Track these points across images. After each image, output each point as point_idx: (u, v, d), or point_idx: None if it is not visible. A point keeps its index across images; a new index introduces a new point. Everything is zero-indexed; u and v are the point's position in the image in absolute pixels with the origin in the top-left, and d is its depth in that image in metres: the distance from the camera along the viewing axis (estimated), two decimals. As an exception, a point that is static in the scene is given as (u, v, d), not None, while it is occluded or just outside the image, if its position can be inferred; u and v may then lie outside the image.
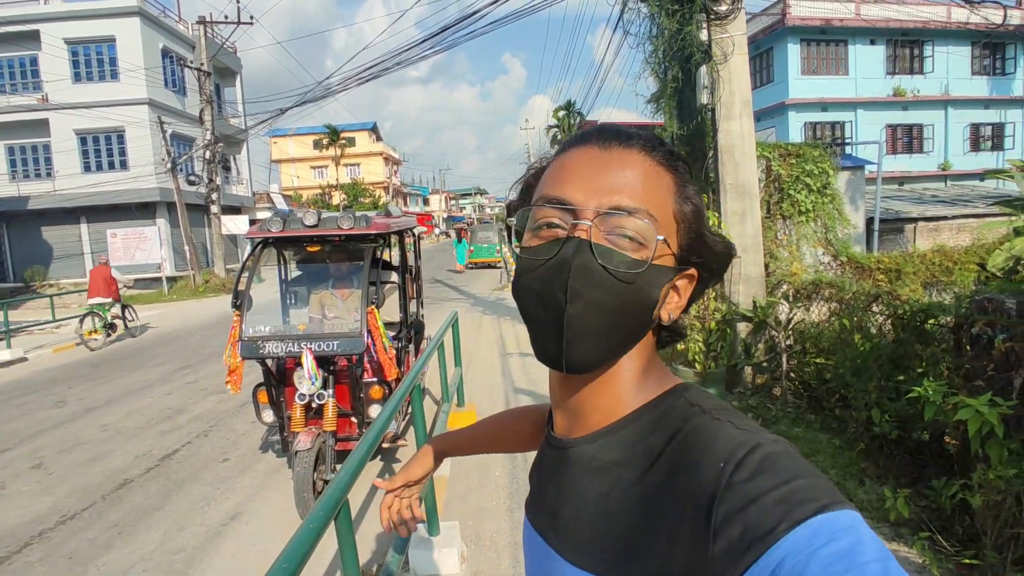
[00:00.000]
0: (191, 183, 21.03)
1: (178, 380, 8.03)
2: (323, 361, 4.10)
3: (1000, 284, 3.62)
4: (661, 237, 0.58)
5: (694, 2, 5.70)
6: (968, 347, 3.16)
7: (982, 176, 22.47)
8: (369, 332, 3.99)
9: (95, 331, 10.71)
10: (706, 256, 0.63)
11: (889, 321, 4.48)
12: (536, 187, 0.66)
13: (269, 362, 4.17)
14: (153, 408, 6.74)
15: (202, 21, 19.70)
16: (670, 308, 0.63)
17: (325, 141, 45.27)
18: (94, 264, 11.31)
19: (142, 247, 20.87)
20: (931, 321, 3.84)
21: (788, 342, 5.40)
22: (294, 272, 5.31)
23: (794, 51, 22.04)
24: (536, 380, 6.78)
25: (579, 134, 0.64)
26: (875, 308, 4.35)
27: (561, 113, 36.98)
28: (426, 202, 75.41)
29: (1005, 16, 10.49)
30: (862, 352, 4.30)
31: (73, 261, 21.85)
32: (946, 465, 3.75)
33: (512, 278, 0.64)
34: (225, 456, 5.16)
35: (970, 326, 3.01)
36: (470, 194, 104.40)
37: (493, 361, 7.96)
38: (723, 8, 5.66)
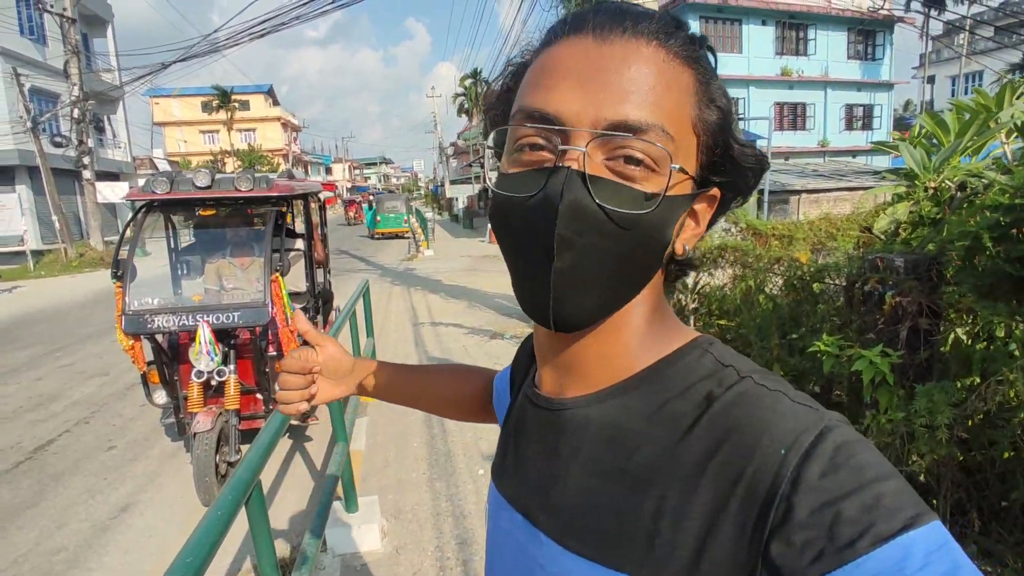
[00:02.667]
0: (57, 145, 18.74)
1: (50, 364, 7.18)
2: (223, 334, 3.77)
3: (884, 246, 3.93)
4: (677, 166, 0.46)
5: (607, -34, 5.67)
6: (860, 304, 3.40)
7: (854, 153, 24.69)
8: (272, 302, 3.70)
9: None
10: (734, 173, 0.51)
11: (785, 282, 4.78)
12: (517, 92, 0.51)
13: (160, 338, 3.77)
14: (20, 396, 5.98)
15: (62, -41, 17.34)
16: (686, 238, 0.52)
17: (215, 103, 41.83)
18: None
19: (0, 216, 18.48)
20: (825, 280, 4.11)
21: (694, 305, 5.63)
22: (186, 240, 4.83)
23: (693, 28, 22.68)
24: (450, 349, 6.69)
25: (571, 16, 0.49)
26: (776, 270, 4.60)
27: (468, 81, 36.34)
28: (329, 171, 72.21)
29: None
30: (764, 312, 4.56)
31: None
32: (836, 412, 4.08)
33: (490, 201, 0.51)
34: (111, 444, 4.67)
35: (863, 284, 3.23)
36: (375, 163, 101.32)
37: (405, 331, 7.77)
38: (635, -27, 5.66)
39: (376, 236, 23.08)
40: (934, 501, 2.84)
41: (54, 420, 5.24)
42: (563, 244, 0.45)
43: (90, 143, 17.88)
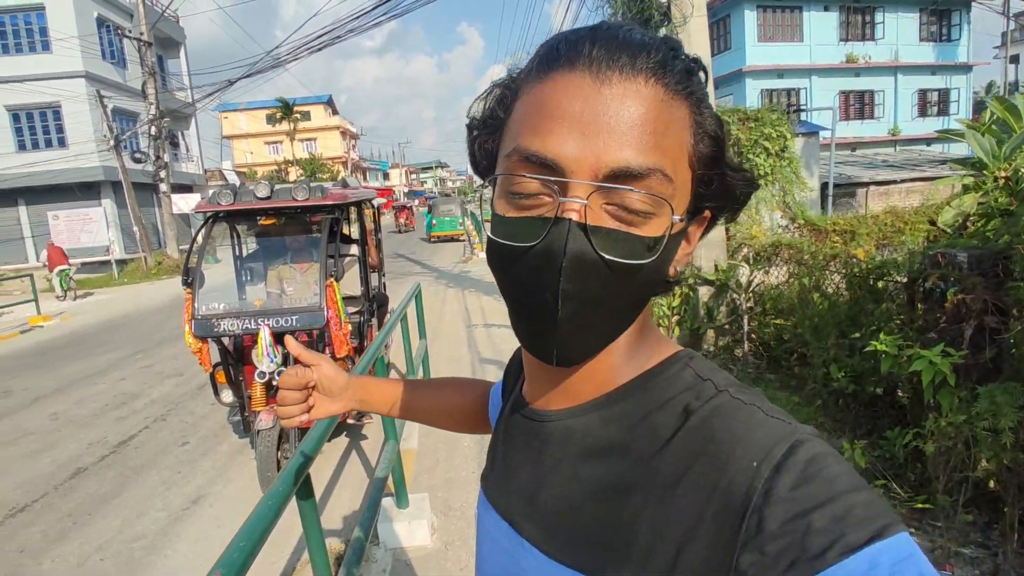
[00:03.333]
0: (137, 161, 20.05)
1: (132, 365, 7.73)
2: (282, 337, 3.96)
3: (949, 240, 3.73)
4: (678, 217, 0.46)
5: (652, -38, 5.61)
6: (921, 302, 3.25)
7: (929, 141, 23.24)
8: (327, 306, 3.87)
9: (70, 288, 14.69)
10: (725, 197, 0.51)
11: (844, 280, 4.60)
12: (508, 122, 0.51)
13: (226, 340, 4.02)
14: (106, 395, 6.47)
15: (139, -13, 18.59)
16: (678, 259, 0.52)
17: (278, 115, 43.69)
18: (44, 248, 15.13)
19: (87, 229, 19.98)
20: (886, 278, 3.94)
21: (749, 304, 5.49)
22: (250, 248, 5.11)
23: (751, 18, 22.15)
24: (502, 350, 6.77)
25: (565, 46, 0.47)
26: (832, 267, 4.44)
27: (521, 83, 36.40)
28: (386, 176, 74.06)
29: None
30: (820, 311, 4.40)
31: (13, 246, 20.70)
32: (899, 416, 3.90)
33: (484, 246, 0.52)
34: (185, 439, 5.00)
35: (924, 281, 3.09)
36: (431, 168, 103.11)
37: (458, 333, 7.90)
38: (682, -31, 5.58)
39: (432, 239, 23.37)
40: (1004, 510, 2.68)
41: (135, 417, 5.65)
42: (567, 297, 0.45)
43: (166, 158, 19.08)
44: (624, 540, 0.47)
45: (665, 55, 0.46)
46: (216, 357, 4.06)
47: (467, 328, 8.13)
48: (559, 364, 0.49)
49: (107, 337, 9.84)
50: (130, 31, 19.51)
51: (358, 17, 10.41)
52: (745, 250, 5.91)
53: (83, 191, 20.62)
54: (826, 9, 23.03)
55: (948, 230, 3.96)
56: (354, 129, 58.67)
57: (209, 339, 3.88)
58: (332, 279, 3.92)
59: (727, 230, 6.08)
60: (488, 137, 0.54)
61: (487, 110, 0.54)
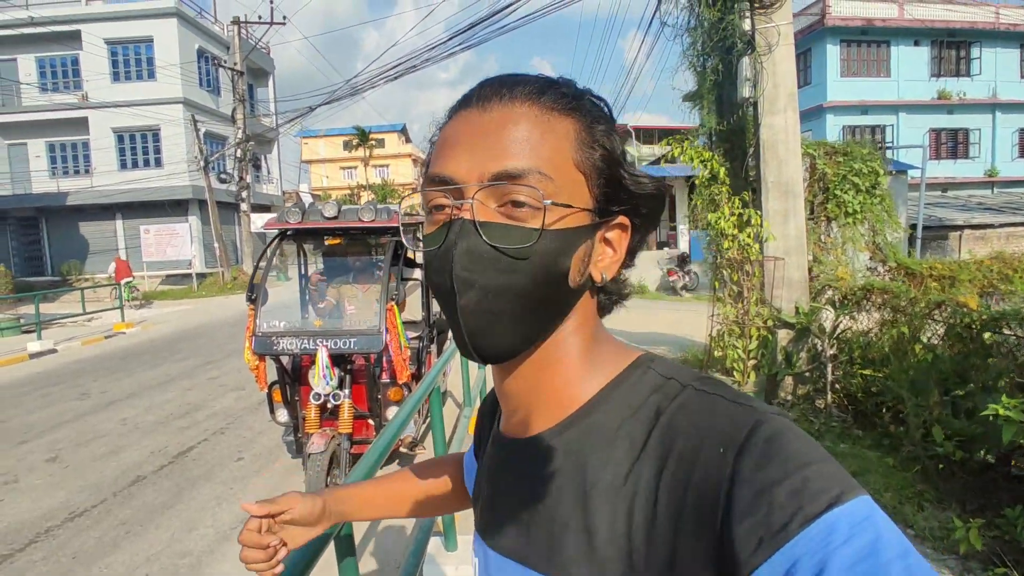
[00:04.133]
0: (222, 181, 21.30)
1: (200, 375, 7.97)
2: (340, 359, 3.91)
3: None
4: (549, 201, 0.50)
5: (737, -11, 5.40)
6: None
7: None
8: (387, 330, 3.79)
9: (134, 298, 16.52)
10: (631, 201, 0.55)
11: (946, 330, 4.13)
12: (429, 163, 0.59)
13: (284, 359, 4.00)
14: (173, 403, 6.66)
15: (236, 22, 19.97)
16: (603, 266, 0.56)
17: (355, 142, 45.67)
18: (117, 259, 16.44)
19: (173, 243, 21.24)
20: (1001, 331, 3.48)
21: (833, 351, 5.04)
22: (319, 268, 5.15)
23: (833, 52, 21.40)
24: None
25: (464, 95, 0.56)
26: (937, 316, 3.99)
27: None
28: (453, 204, 75.55)
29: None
30: (920, 364, 3.95)
31: (108, 256, 22.19)
32: (1017, 490, 3.39)
33: None
34: (240, 455, 5.02)
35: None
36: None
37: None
38: (768, -4, 5.34)
39: None
40: None
41: (196, 428, 5.75)
42: (463, 284, 0.50)
43: (248, 179, 20.14)
44: (623, 551, 0.48)
45: (543, 85, 0.53)
46: (273, 375, 4.04)
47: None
48: (482, 358, 0.53)
49: (182, 346, 10.27)
50: (226, 61, 20.91)
51: (433, 48, 10.66)
52: (830, 292, 5.48)
53: (173, 208, 22.05)
54: (916, 44, 21.96)
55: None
56: (425, 157, 60.41)
57: (267, 357, 3.86)
58: (392, 303, 3.84)
59: (810, 270, 5.67)
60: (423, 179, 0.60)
61: (424, 162, 0.60)
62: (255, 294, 3.89)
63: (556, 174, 0.50)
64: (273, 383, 4.13)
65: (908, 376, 4.10)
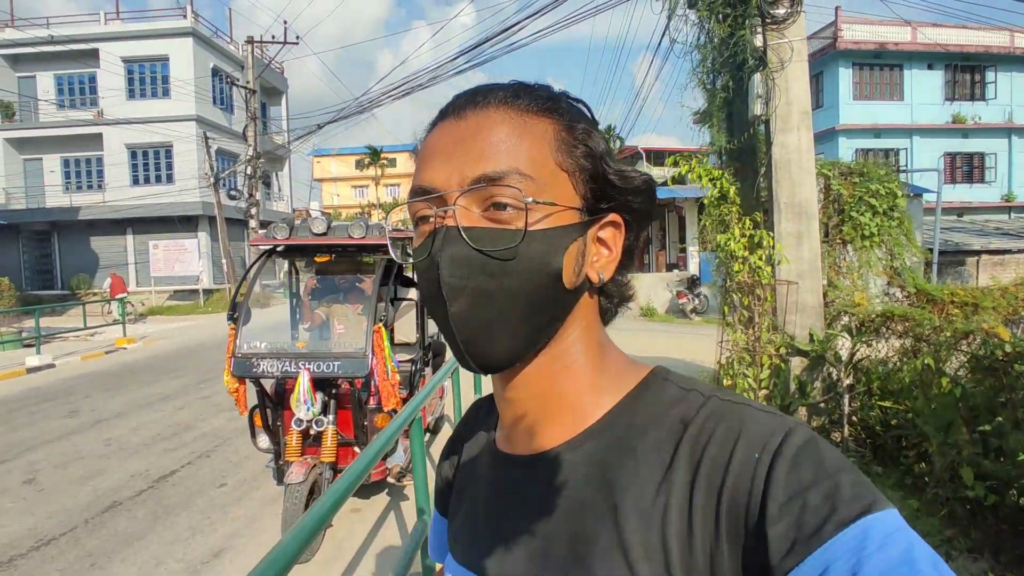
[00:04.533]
0: (232, 198, 21.36)
1: (193, 394, 7.78)
2: (323, 383, 3.69)
3: None
4: (530, 199, 0.48)
5: (748, 5, 5.23)
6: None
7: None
8: (373, 353, 3.57)
9: (131, 314, 15.92)
10: (620, 197, 0.53)
11: (970, 361, 3.85)
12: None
13: (265, 382, 3.79)
14: (162, 423, 6.46)
15: (250, 41, 20.17)
16: (599, 266, 0.54)
17: (366, 161, 46.00)
18: (112, 275, 16.71)
19: (181, 259, 21.27)
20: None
21: (850, 380, 4.75)
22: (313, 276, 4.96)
23: (846, 75, 21.26)
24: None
25: (441, 109, 0.55)
26: (963, 346, 3.71)
27: (601, 137, 36.69)
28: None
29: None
30: (946, 398, 3.66)
31: (117, 271, 22.36)
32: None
33: None
34: (223, 481, 4.79)
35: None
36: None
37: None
38: (781, 11, 5.16)
39: None
40: None
41: (182, 450, 5.53)
42: (452, 291, 0.49)
43: (258, 196, 20.17)
44: (660, 563, 0.45)
45: (517, 89, 0.53)
46: (254, 399, 3.83)
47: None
48: (480, 367, 0.51)
49: (180, 363, 10.11)
50: (239, 80, 21.12)
51: (440, 66, 10.62)
52: (846, 318, 5.20)
53: (182, 223, 22.12)
54: (930, 67, 21.77)
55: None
56: (436, 176, 60.92)
57: (247, 380, 3.65)
58: (380, 324, 3.63)
59: (825, 295, 5.40)
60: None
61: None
62: (236, 312, 3.70)
63: (537, 173, 0.50)
64: (254, 407, 3.91)
65: (932, 409, 3.81)
